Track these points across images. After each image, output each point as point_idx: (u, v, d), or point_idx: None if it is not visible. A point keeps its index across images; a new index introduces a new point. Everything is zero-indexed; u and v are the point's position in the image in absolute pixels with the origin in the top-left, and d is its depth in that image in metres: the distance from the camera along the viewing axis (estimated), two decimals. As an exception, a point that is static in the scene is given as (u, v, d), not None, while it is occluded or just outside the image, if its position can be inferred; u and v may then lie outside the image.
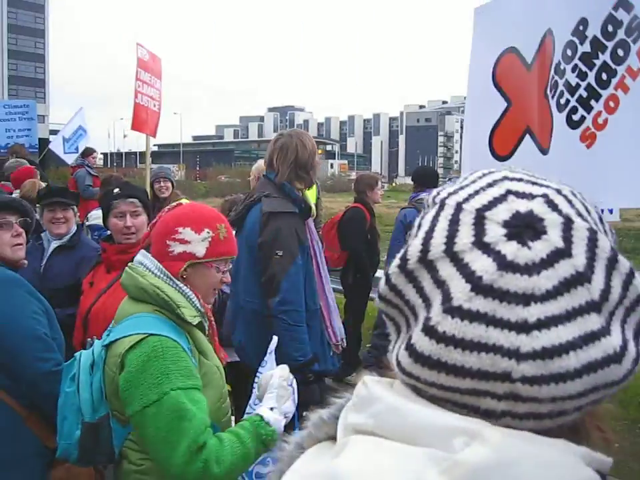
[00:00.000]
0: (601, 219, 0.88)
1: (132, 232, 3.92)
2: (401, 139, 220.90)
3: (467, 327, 0.79)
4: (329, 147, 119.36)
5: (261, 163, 7.67)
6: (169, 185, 7.46)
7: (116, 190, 4.09)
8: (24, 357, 3.00)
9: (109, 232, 4.10)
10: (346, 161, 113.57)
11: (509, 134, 2.98)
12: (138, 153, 79.69)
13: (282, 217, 4.02)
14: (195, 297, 2.53)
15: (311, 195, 4.81)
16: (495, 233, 0.81)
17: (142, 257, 2.59)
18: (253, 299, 4.10)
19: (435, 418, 0.80)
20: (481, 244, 0.81)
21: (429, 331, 0.81)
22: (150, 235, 2.72)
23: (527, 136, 2.92)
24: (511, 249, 0.80)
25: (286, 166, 4.16)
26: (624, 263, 0.82)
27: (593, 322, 0.78)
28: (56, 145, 13.04)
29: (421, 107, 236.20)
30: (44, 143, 18.19)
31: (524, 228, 0.81)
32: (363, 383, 0.90)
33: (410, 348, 0.84)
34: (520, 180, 0.87)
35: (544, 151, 2.93)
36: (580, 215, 0.83)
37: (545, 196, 0.84)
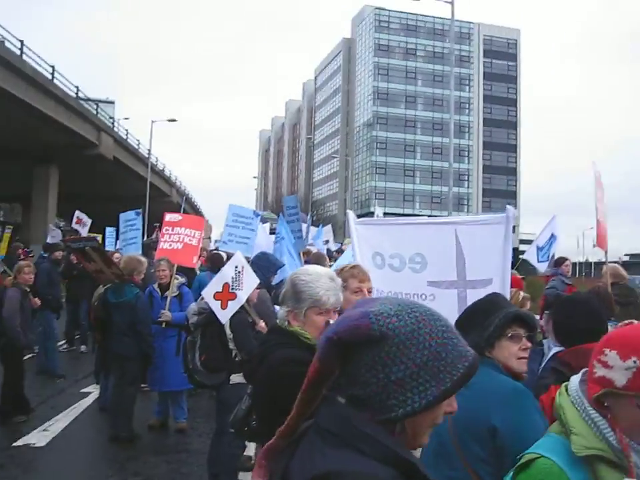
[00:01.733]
0: None
1: None
2: None
3: None
4: None
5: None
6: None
7: None
8: None
9: None
10: None
11: None
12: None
13: None
14: (607, 428, 2.06)
15: None
16: None
17: (579, 375, 2.29)
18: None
19: None
20: None
21: None
22: None
23: None
24: None
25: None
26: None
27: None
28: (530, 254, 13.08)
29: None
30: (513, 252, 18.53)
31: None
32: None
33: None
34: None
35: None
36: None
37: None
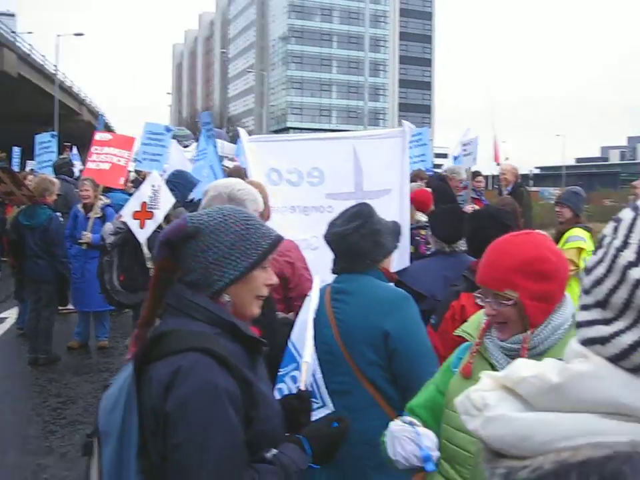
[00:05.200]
0: None
1: None
2: None
3: None
4: None
5: None
6: (565, 210, 7.02)
7: None
8: (420, 370, 3.14)
9: None
10: None
11: None
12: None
13: None
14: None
15: None
16: None
17: None
18: None
19: (578, 348, 1.09)
20: None
21: None
22: None
23: None
24: None
25: None
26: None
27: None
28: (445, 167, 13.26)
29: None
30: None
31: None
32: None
33: None
34: None
35: None
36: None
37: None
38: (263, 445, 2.00)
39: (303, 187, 5.75)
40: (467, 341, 2.56)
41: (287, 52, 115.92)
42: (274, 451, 2.01)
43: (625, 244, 1.04)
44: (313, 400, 2.81)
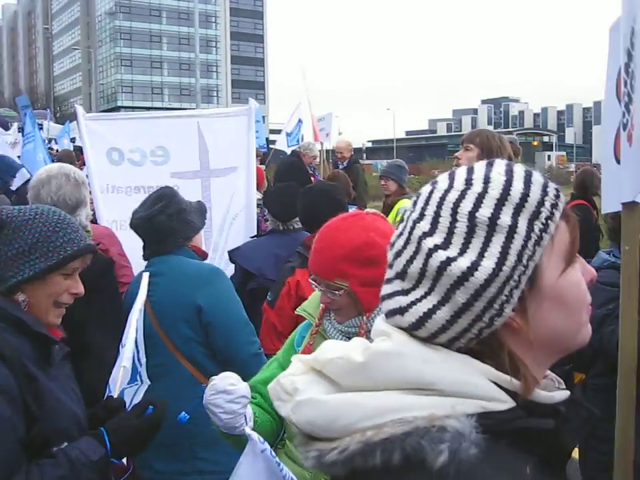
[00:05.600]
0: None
1: None
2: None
3: None
4: (545, 138, 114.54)
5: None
6: (390, 183, 7.29)
7: None
8: (237, 341, 3.27)
9: None
10: (564, 153, 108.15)
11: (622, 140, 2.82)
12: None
13: None
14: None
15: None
16: None
17: None
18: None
19: (381, 327, 1.14)
20: None
21: None
22: None
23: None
24: None
25: None
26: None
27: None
28: (280, 143, 13.37)
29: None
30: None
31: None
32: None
33: None
34: None
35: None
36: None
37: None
38: (54, 441, 2.00)
39: (146, 166, 5.65)
40: (305, 318, 2.60)
41: (114, 28, 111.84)
42: (64, 445, 2.01)
43: (422, 216, 1.08)
44: (134, 384, 2.81)
